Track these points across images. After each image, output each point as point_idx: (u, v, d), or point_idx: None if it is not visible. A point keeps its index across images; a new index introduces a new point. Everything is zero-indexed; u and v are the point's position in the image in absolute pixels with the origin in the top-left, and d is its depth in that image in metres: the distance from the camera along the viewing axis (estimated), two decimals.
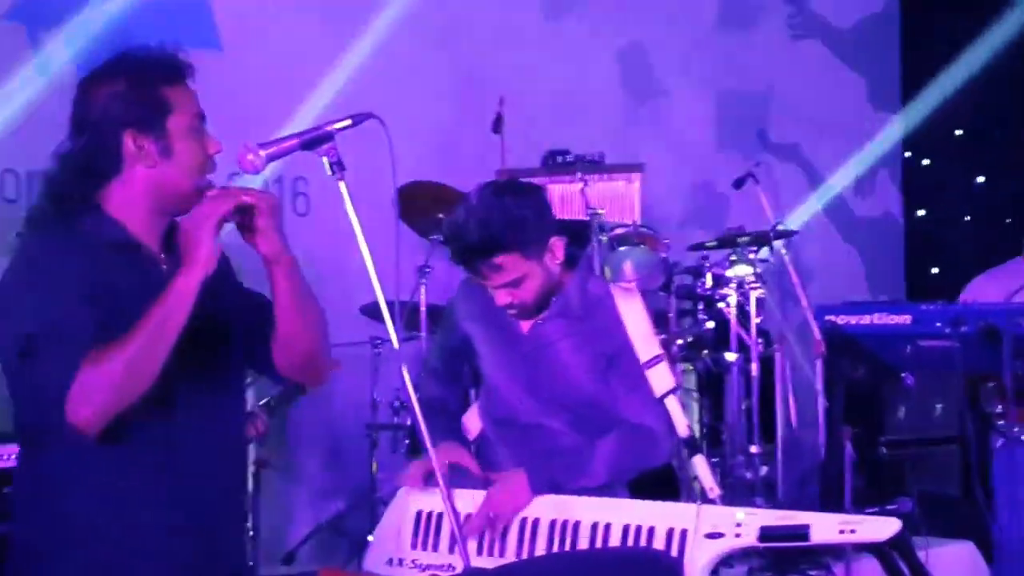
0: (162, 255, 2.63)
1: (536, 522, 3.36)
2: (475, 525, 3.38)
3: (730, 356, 5.76)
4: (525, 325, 3.57)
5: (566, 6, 7.29)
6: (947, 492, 5.64)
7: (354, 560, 5.67)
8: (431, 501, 3.50)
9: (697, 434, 5.49)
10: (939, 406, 5.75)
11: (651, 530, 3.21)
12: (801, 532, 3.05)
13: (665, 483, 4.67)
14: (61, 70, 5.44)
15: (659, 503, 3.30)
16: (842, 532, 3.01)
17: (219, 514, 2.66)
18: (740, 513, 3.14)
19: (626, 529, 3.25)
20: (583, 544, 3.27)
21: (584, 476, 3.44)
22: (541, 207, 3.49)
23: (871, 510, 4.68)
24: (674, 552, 3.15)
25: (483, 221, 3.35)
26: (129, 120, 2.53)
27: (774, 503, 5.42)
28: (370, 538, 5.37)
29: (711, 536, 3.12)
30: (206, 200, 2.52)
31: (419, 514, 3.51)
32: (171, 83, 2.58)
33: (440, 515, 3.45)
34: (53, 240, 2.52)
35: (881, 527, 3.01)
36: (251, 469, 4.97)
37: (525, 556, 3.33)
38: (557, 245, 3.48)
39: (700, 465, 3.69)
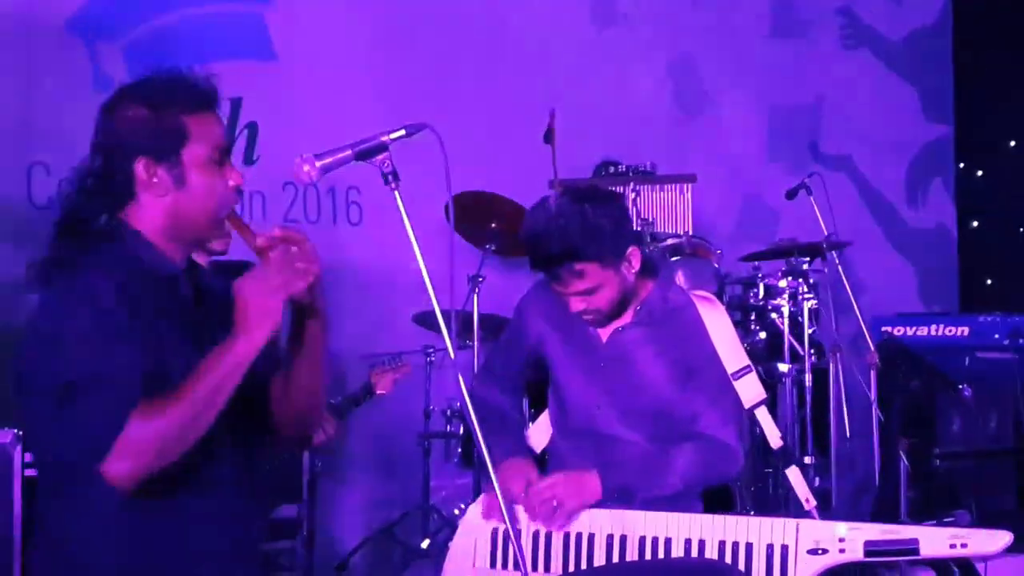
0: (186, 284, 2.53)
1: (624, 539, 3.24)
2: (536, 509, 3.27)
3: (783, 367, 5.73)
4: (605, 333, 3.50)
5: (617, 18, 7.30)
6: (1002, 505, 5.59)
7: (408, 568, 5.69)
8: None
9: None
10: (994, 418, 5.71)
11: (749, 547, 3.11)
12: (910, 547, 2.97)
13: (722, 499, 4.63)
14: (119, 83, 5.50)
15: (756, 518, 3.19)
16: (952, 547, 2.93)
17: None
18: (842, 528, 3.06)
19: (722, 546, 3.14)
20: None
21: (659, 485, 3.34)
22: (620, 216, 3.43)
23: (929, 523, 4.64)
24: (776, 570, 3.06)
25: (562, 228, 3.29)
26: (143, 148, 2.43)
27: (829, 514, 5.38)
28: (423, 545, 5.41)
29: (813, 552, 3.04)
30: (274, 266, 2.37)
31: (495, 531, 3.40)
32: (193, 111, 2.46)
33: (518, 532, 3.32)
34: (88, 274, 2.37)
35: (994, 540, 2.93)
36: (306, 478, 5.00)
37: None
38: (635, 255, 3.41)
39: (795, 476, 3.60)
